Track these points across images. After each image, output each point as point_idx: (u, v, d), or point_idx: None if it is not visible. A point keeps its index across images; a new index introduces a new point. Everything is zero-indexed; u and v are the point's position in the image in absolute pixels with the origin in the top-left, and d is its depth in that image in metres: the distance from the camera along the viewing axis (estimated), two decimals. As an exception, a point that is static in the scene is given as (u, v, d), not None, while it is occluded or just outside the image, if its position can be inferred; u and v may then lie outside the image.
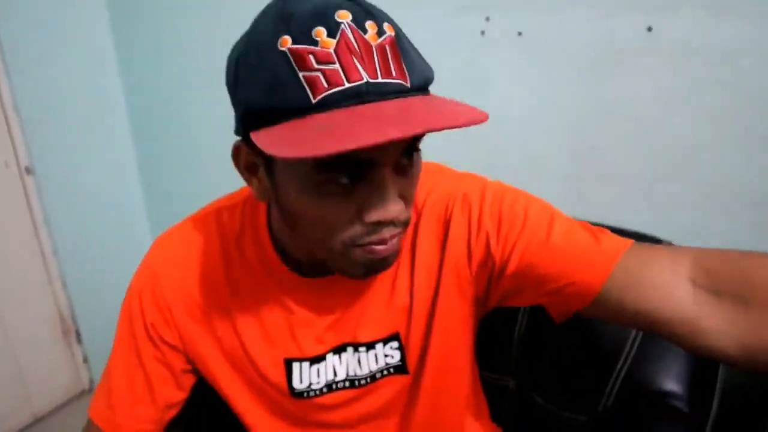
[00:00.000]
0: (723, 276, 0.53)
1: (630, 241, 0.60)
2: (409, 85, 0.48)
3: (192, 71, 1.51)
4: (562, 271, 0.59)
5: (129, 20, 1.57)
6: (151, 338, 0.67)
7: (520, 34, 1.00)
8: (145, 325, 0.67)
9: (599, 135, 1.00)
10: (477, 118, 0.44)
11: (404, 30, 0.52)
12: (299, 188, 0.51)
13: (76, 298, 1.67)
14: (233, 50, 0.53)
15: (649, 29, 0.90)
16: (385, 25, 0.49)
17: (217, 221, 0.68)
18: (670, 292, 0.54)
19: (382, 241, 0.53)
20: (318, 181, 0.50)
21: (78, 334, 1.71)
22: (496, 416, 0.86)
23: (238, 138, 0.55)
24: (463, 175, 0.69)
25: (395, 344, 0.67)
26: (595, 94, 0.98)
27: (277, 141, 0.45)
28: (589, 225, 0.63)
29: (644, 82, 0.93)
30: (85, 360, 1.74)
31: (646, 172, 0.98)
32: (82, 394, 1.74)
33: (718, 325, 0.51)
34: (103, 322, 1.43)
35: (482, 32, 1.04)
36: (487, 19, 1.03)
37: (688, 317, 0.53)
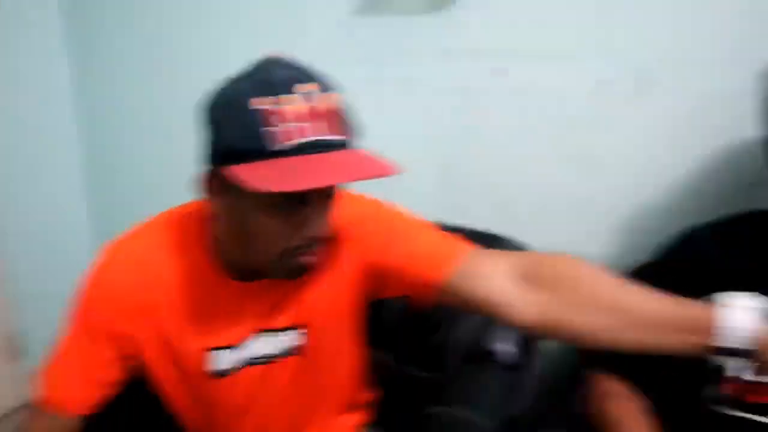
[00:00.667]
0: (530, 271, 0.70)
1: (471, 247, 0.76)
2: (346, 139, 0.66)
3: (144, 110, 1.65)
4: (416, 270, 0.76)
5: (85, 57, 1.69)
6: (96, 329, 0.78)
7: (406, 80, 1.27)
8: (92, 318, 0.78)
9: (461, 156, 1.27)
10: (391, 171, 0.64)
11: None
12: (262, 208, 0.66)
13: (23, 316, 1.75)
14: (211, 98, 0.67)
15: (495, 74, 1.17)
16: (333, 97, 0.65)
17: (165, 229, 0.79)
18: (494, 284, 0.71)
19: (312, 253, 0.71)
20: (279, 203, 0.65)
21: (22, 350, 1.77)
22: (376, 383, 1.03)
23: (207, 166, 0.69)
24: (364, 201, 0.84)
25: (303, 331, 0.83)
26: (458, 124, 1.25)
27: (254, 177, 0.60)
28: (446, 234, 0.79)
29: (492, 115, 1.21)
30: (27, 375, 1.76)
31: (497, 181, 1.26)
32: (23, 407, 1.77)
33: (524, 306, 0.69)
34: (47, 339, 1.53)
35: (373, 80, 1.28)
36: (379, 69, 1.28)
37: (505, 302, 0.70)
